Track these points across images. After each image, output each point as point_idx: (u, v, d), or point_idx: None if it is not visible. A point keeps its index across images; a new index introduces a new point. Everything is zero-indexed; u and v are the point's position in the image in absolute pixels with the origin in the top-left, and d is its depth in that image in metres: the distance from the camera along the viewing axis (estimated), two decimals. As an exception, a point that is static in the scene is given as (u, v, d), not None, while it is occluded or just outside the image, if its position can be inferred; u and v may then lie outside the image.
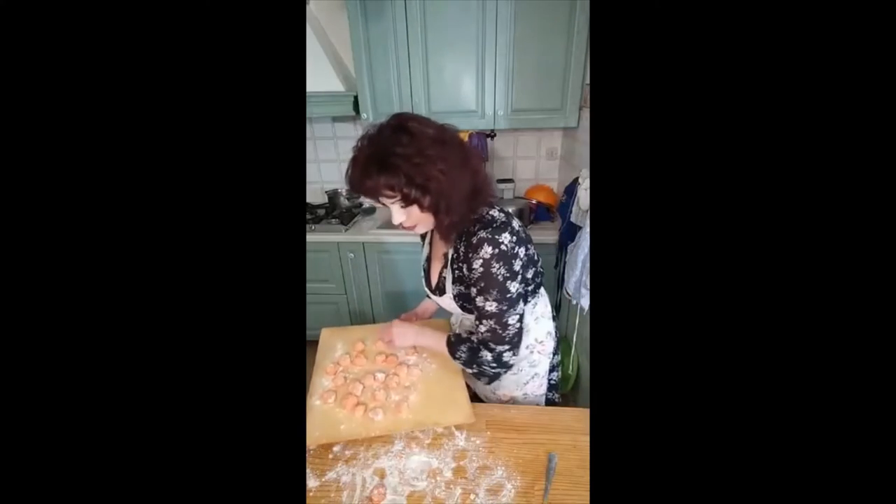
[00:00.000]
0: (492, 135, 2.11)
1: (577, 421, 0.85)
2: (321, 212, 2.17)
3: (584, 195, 1.47)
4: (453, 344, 0.88)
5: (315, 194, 2.43)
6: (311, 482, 0.72)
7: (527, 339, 0.94)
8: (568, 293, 1.56)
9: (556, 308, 1.94)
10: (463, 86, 1.86)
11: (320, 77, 1.85)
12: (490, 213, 0.82)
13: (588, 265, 1.40)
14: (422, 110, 1.90)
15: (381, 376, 0.92)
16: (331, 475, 0.73)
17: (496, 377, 0.89)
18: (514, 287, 0.79)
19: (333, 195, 2.26)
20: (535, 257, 0.91)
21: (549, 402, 1.05)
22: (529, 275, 0.88)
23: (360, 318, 2.19)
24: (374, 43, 1.81)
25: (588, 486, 0.69)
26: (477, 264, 0.78)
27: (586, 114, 1.76)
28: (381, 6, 1.74)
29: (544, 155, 2.26)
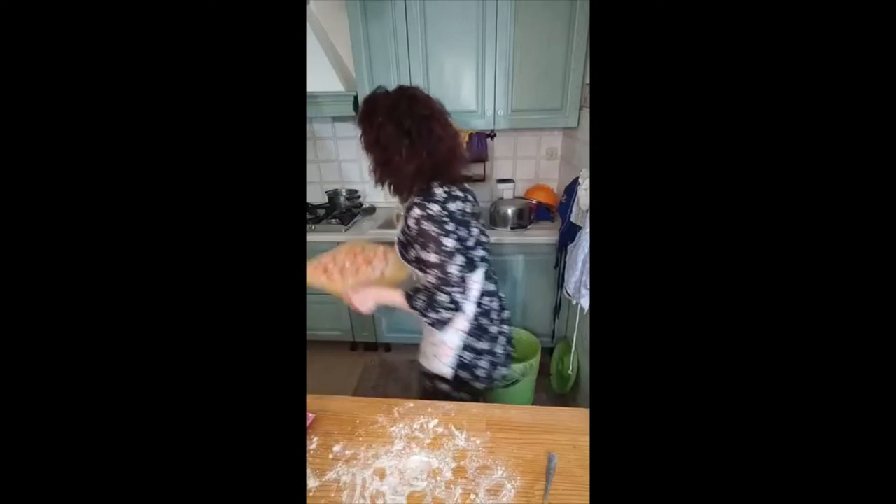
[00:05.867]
0: (492, 135, 2.11)
1: (577, 421, 0.85)
2: (321, 212, 2.17)
3: (584, 195, 1.47)
4: (410, 296, 1.00)
5: (315, 194, 2.43)
6: (311, 482, 0.72)
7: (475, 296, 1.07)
8: (568, 293, 1.56)
9: (556, 308, 1.94)
10: (463, 86, 1.86)
11: (320, 77, 1.85)
12: (434, 189, 0.96)
13: (588, 265, 1.40)
14: (422, 110, 1.90)
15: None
16: (331, 475, 0.73)
17: (449, 321, 0.99)
18: (449, 242, 0.91)
19: (333, 195, 2.26)
20: (479, 237, 1.03)
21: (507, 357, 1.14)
22: (471, 243, 0.99)
23: (359, 317, 2.19)
24: (374, 43, 1.81)
25: (588, 486, 0.69)
26: (411, 223, 0.94)
27: (586, 114, 1.76)
28: (381, 6, 1.73)
29: (544, 155, 2.25)
